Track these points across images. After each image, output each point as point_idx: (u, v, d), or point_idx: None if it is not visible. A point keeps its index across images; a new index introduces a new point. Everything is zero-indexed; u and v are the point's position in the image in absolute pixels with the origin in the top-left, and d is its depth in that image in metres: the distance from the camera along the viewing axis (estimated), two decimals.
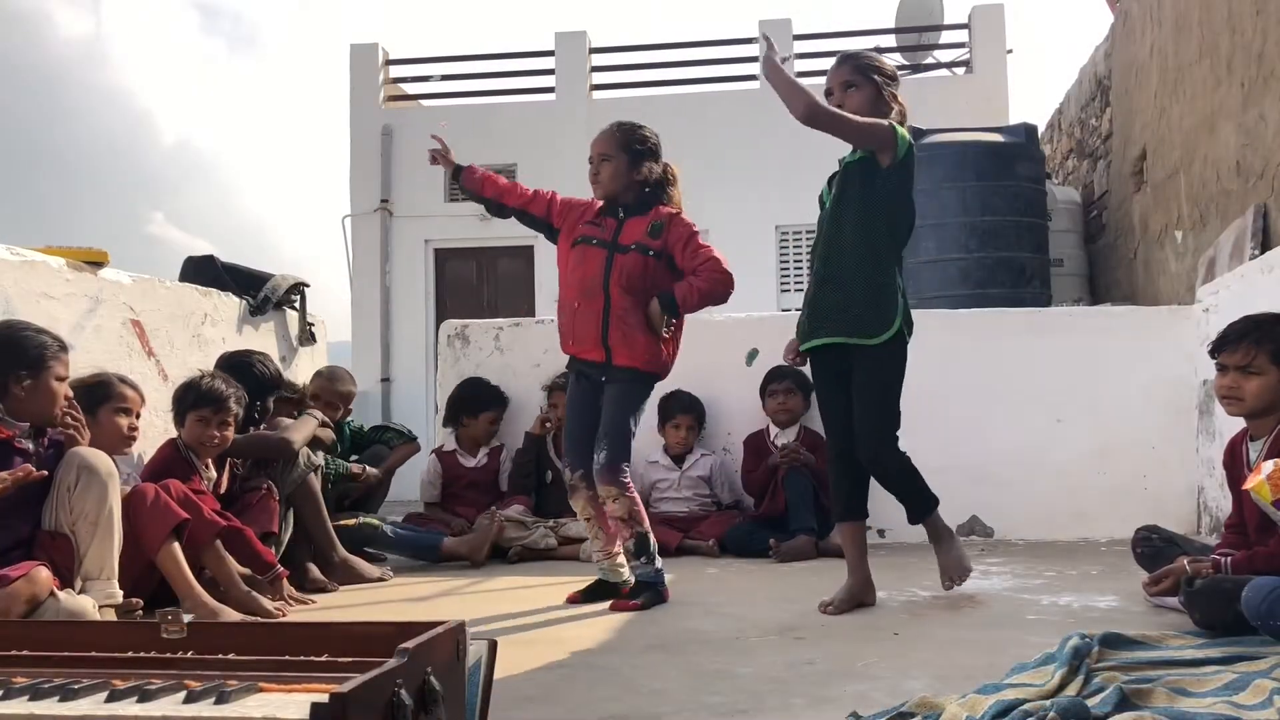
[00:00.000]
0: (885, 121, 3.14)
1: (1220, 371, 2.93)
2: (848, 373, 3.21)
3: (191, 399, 3.48)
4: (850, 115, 3.10)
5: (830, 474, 3.38)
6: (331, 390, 4.60)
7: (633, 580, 3.43)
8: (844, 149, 3.26)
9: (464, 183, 3.63)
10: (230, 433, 3.53)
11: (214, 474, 3.58)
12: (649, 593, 3.32)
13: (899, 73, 3.32)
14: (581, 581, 3.59)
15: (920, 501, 3.30)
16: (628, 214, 3.44)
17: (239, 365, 3.99)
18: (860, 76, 3.18)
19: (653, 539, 3.40)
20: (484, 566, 4.35)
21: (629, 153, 3.42)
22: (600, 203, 3.51)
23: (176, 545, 3.04)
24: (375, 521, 4.43)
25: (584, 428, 3.44)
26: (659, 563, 3.40)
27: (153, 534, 3.01)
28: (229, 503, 3.56)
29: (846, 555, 3.27)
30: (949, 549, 3.32)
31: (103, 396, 3.25)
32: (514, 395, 5.23)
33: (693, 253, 3.37)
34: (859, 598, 3.18)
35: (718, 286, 3.36)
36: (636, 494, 3.40)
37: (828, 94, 3.22)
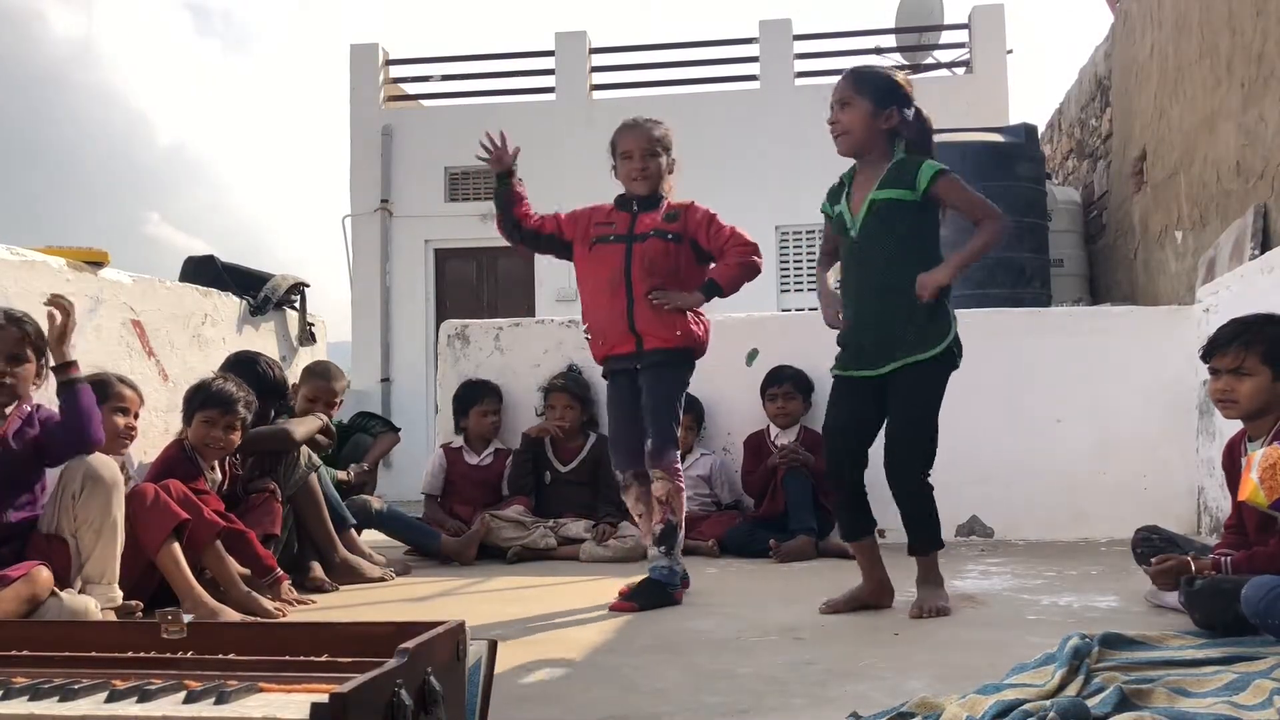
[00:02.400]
0: (979, 197, 3.12)
1: (1213, 375, 2.93)
2: (878, 397, 3.13)
3: (200, 400, 3.47)
4: (978, 208, 3.09)
5: (835, 494, 3.31)
6: (330, 390, 4.46)
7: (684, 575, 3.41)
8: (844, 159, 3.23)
9: (509, 189, 3.52)
10: (236, 436, 3.50)
11: (219, 475, 3.57)
12: (654, 593, 3.29)
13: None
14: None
15: (929, 534, 3.15)
16: (641, 208, 3.50)
17: (245, 364, 3.98)
18: (852, 91, 3.11)
19: (681, 536, 3.39)
20: (472, 565, 4.36)
21: (668, 153, 3.55)
22: (609, 205, 3.56)
23: (176, 545, 3.05)
24: (366, 496, 4.51)
25: (628, 426, 3.48)
26: (679, 564, 3.37)
27: (153, 534, 3.01)
28: (232, 504, 3.55)
29: (859, 564, 3.23)
30: (934, 588, 3.13)
31: (100, 396, 3.25)
32: (514, 395, 5.23)
33: (715, 233, 3.46)
34: (861, 600, 3.15)
35: (749, 258, 3.45)
36: (683, 485, 3.42)
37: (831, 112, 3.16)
